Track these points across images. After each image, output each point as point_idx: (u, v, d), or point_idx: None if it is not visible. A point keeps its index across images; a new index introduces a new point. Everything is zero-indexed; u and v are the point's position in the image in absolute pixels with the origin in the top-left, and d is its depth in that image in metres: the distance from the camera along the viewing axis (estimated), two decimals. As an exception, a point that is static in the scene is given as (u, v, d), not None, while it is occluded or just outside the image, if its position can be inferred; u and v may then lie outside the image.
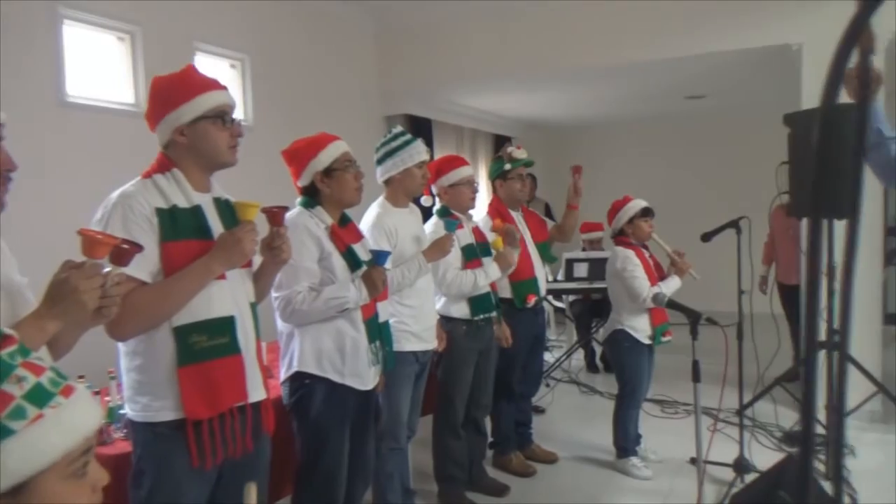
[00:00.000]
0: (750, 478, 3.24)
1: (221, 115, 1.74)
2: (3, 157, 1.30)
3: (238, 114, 1.82)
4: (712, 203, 7.53)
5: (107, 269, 1.29)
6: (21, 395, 0.82)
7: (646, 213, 3.53)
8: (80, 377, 2.32)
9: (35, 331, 1.21)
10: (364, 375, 2.31)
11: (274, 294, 2.17)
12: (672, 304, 2.89)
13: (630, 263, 3.41)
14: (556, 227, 3.85)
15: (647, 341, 3.48)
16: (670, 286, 3.40)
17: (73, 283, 1.22)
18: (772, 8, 4.40)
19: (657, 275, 3.51)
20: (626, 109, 7.69)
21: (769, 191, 3.68)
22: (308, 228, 2.23)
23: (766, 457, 3.48)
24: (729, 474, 3.38)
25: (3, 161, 1.30)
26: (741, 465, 3.37)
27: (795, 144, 2.94)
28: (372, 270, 2.26)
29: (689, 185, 8.32)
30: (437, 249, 2.79)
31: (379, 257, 2.33)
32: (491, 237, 3.30)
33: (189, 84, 1.72)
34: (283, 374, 2.31)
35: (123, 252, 1.32)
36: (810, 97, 4.22)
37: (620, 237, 3.56)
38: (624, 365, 3.55)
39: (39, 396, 0.84)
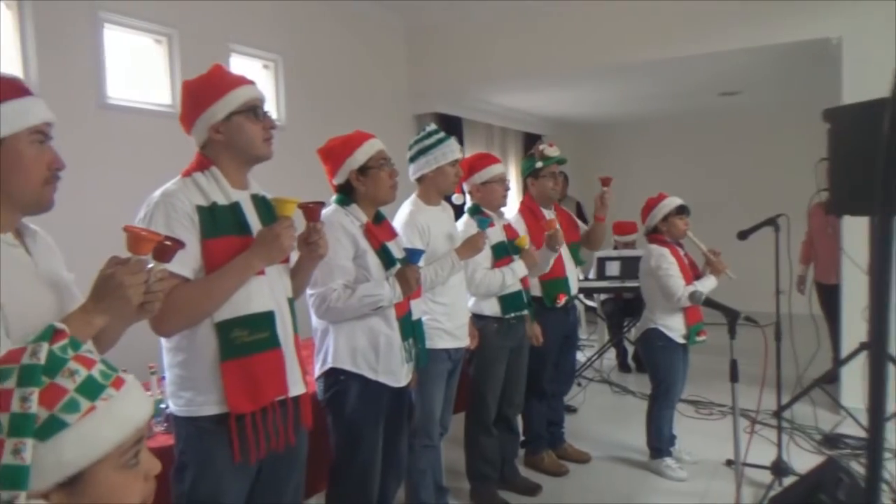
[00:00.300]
0: (788, 481, 3.17)
1: (253, 109, 1.77)
2: (52, 156, 1.34)
3: (271, 113, 1.84)
4: (749, 200, 7.41)
5: (150, 266, 1.32)
6: (74, 388, 0.85)
7: (681, 210, 3.48)
8: (123, 371, 2.38)
9: (82, 325, 1.24)
10: (397, 373, 2.32)
11: (309, 291, 2.20)
12: (710, 303, 2.85)
13: (665, 261, 3.37)
14: (584, 235, 3.80)
15: (681, 341, 3.44)
16: (706, 285, 3.35)
17: (119, 278, 1.25)
18: (810, 1, 4.30)
19: (692, 273, 3.46)
20: (658, 106, 7.59)
21: (807, 188, 3.60)
22: (343, 226, 2.26)
23: (804, 460, 3.41)
24: (766, 477, 3.32)
25: (52, 160, 1.33)
26: (779, 468, 3.30)
27: (836, 140, 2.86)
28: (406, 269, 2.27)
29: (725, 182, 8.18)
30: (469, 247, 2.80)
31: (412, 256, 2.34)
32: (521, 231, 3.29)
33: (218, 82, 1.76)
34: (317, 370, 2.33)
35: (166, 248, 1.35)
36: (851, 92, 4.11)
37: (654, 235, 3.51)
38: (658, 364, 3.50)
39: (91, 389, 0.86)
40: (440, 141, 2.80)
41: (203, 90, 1.75)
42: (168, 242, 1.36)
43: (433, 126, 2.88)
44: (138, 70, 3.80)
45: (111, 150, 3.48)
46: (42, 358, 0.84)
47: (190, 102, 1.77)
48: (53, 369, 0.85)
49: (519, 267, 3.11)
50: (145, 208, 1.69)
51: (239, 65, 4.33)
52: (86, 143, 3.32)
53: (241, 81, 1.78)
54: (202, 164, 1.77)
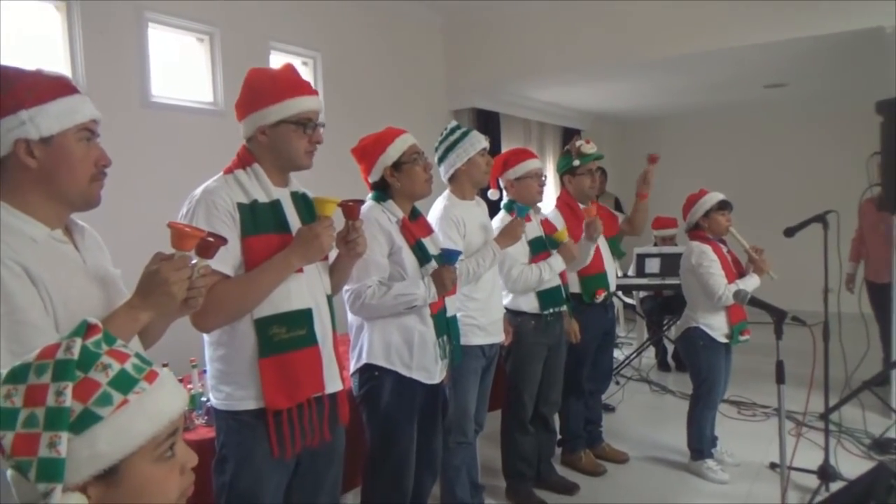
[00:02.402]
0: (836, 486, 3.09)
1: (304, 123, 1.78)
2: (98, 153, 1.36)
3: (321, 126, 1.84)
4: (796, 196, 7.22)
5: (193, 262, 1.34)
6: (106, 381, 0.86)
7: (723, 206, 3.41)
8: (164, 365, 2.44)
9: (129, 321, 1.27)
10: (431, 369, 2.33)
11: (344, 287, 2.22)
12: (756, 303, 2.78)
13: (706, 259, 3.31)
14: (626, 220, 3.77)
15: (723, 340, 3.38)
16: (749, 284, 3.27)
17: (164, 274, 1.27)
18: (862, -12, 4.16)
19: (735, 271, 3.38)
20: (700, 99, 7.44)
21: (858, 183, 3.48)
22: (379, 222, 2.27)
23: (852, 465, 3.31)
24: (812, 482, 3.23)
25: (99, 157, 1.36)
26: (826, 473, 3.21)
27: (889, 134, 2.76)
28: (442, 270, 2.28)
29: (770, 177, 7.99)
30: (508, 235, 2.78)
31: (450, 256, 2.34)
32: (559, 226, 3.26)
33: (282, 85, 1.76)
34: (352, 366, 2.36)
35: (209, 244, 1.37)
36: (905, 83, 3.96)
37: (696, 231, 3.46)
38: (699, 364, 3.44)
39: (124, 383, 0.87)
40: (465, 134, 2.81)
41: (264, 88, 1.76)
42: (211, 239, 1.37)
43: (454, 123, 2.90)
44: (181, 68, 3.88)
45: (155, 147, 3.56)
46: (76, 353, 0.86)
47: (248, 95, 1.79)
48: (87, 364, 0.87)
49: (556, 261, 3.08)
50: (187, 205, 1.72)
51: (278, 62, 4.39)
52: (130, 140, 3.40)
53: (304, 90, 1.78)
54: (244, 160, 1.79)
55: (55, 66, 3.10)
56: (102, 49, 3.35)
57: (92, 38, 3.31)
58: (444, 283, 2.25)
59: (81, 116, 1.32)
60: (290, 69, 1.83)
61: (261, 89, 1.76)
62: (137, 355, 0.92)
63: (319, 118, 1.83)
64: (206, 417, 2.25)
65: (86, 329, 0.89)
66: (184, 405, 0.95)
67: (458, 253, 2.39)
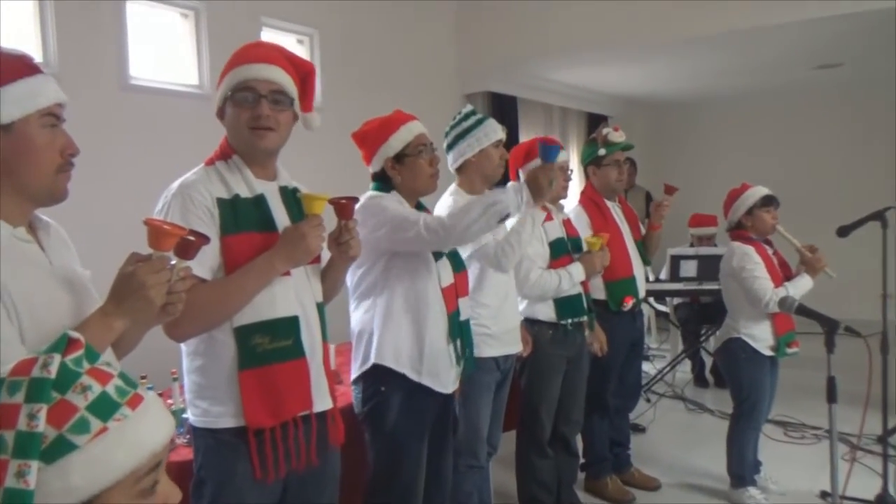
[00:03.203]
0: (895, 518, 3.05)
1: (246, 95, 1.73)
2: (64, 140, 1.35)
3: (271, 96, 1.82)
4: (850, 191, 7.16)
5: (172, 263, 1.34)
6: (85, 406, 0.85)
7: (768, 202, 3.38)
8: (142, 378, 2.44)
9: (102, 329, 1.26)
10: (443, 376, 2.32)
11: (406, 234, 2.14)
12: (804, 311, 2.75)
13: (749, 261, 3.28)
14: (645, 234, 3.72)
15: (768, 353, 3.35)
16: (799, 288, 3.24)
17: (141, 277, 1.26)
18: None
19: (782, 274, 3.35)
20: (743, 82, 7.40)
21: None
22: (395, 198, 2.28)
23: (915, 494, 3.26)
24: (868, 513, 3.20)
25: (65, 145, 1.35)
26: (885, 502, 3.17)
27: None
28: (538, 170, 2.22)
29: (822, 170, 7.92)
30: (536, 187, 2.54)
31: (547, 151, 2.26)
32: (585, 234, 3.24)
33: (232, 59, 1.76)
34: (355, 371, 2.34)
35: (190, 244, 1.36)
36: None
37: (738, 231, 3.43)
38: (741, 379, 3.42)
39: (104, 408, 0.86)
40: (479, 121, 2.77)
41: (226, 65, 1.77)
42: (192, 238, 1.37)
43: (469, 107, 2.87)
44: (163, 47, 3.90)
45: (134, 134, 3.58)
46: (53, 371, 0.85)
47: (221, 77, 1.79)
48: (65, 384, 0.85)
49: (577, 271, 3.06)
50: (163, 200, 1.72)
51: (271, 39, 4.40)
52: (107, 127, 3.43)
53: (247, 58, 1.74)
54: (225, 150, 1.79)
55: (24, 46, 3.13)
56: (76, 27, 3.38)
57: (65, 15, 3.33)
58: (541, 183, 2.21)
59: (45, 100, 1.31)
60: (257, 42, 1.83)
61: (225, 66, 1.77)
62: (122, 375, 0.91)
63: (269, 89, 1.73)
64: (188, 436, 2.25)
65: (66, 344, 0.88)
66: (169, 434, 0.94)
67: (556, 148, 2.30)
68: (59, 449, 0.83)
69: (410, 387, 2.27)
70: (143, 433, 0.89)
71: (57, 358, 0.86)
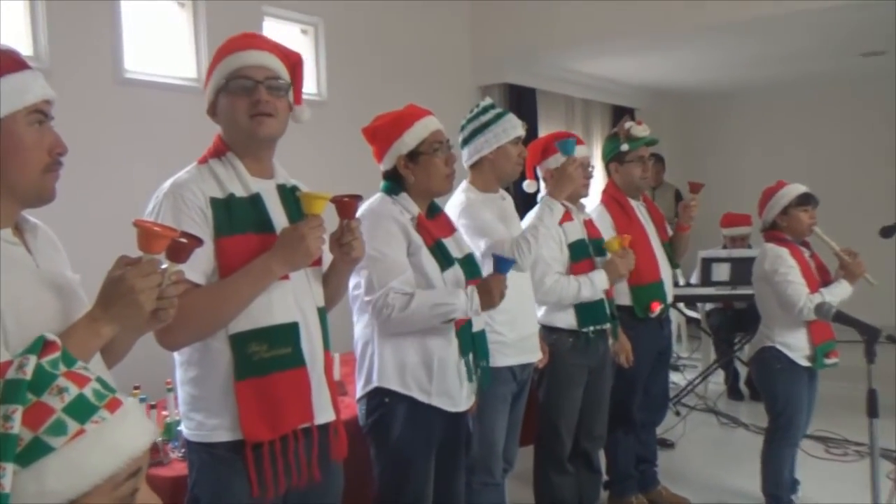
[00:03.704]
0: (944, 541, 3.01)
1: (244, 86, 1.76)
2: (52, 138, 1.37)
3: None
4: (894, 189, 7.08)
5: (163, 266, 1.35)
6: (62, 407, 0.87)
7: (805, 200, 3.36)
8: (136, 388, 2.47)
9: (90, 335, 1.28)
10: (454, 394, 2.32)
11: (366, 298, 2.21)
12: (842, 318, 2.73)
13: (782, 264, 3.26)
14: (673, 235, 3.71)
15: (805, 363, 3.32)
16: (836, 293, 3.22)
17: (130, 281, 1.27)
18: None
19: (819, 279, 3.33)
20: (778, 71, 7.36)
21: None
22: (394, 217, 2.28)
23: (966, 515, 3.23)
24: (915, 536, 3.17)
25: (53, 143, 1.37)
26: (932, 525, 3.14)
27: None
28: (491, 279, 2.27)
29: (863, 166, 7.86)
30: (561, 181, 2.76)
31: (501, 263, 2.32)
32: (608, 235, 3.24)
33: (223, 47, 1.80)
34: (359, 390, 2.36)
35: (182, 247, 1.38)
36: None
37: (772, 231, 3.41)
38: (776, 392, 3.40)
39: (81, 410, 0.88)
40: (499, 116, 2.80)
41: (217, 55, 1.79)
42: (184, 240, 1.39)
43: (488, 100, 2.88)
44: (159, 39, 3.94)
45: (128, 131, 3.62)
46: (28, 372, 0.87)
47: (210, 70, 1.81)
48: (41, 386, 0.88)
49: (599, 278, 3.06)
50: (154, 201, 1.74)
51: (273, 30, 4.43)
52: (100, 123, 3.47)
53: (241, 45, 1.78)
54: (219, 148, 1.81)
55: (13, 38, 3.18)
56: (68, 18, 3.42)
57: (56, 6, 3.37)
58: (493, 294, 2.24)
59: (32, 96, 1.34)
60: (243, 33, 1.85)
61: (214, 60, 1.80)
62: (99, 380, 0.93)
63: (264, 76, 1.77)
64: (182, 450, 2.27)
65: (42, 346, 0.90)
66: (149, 441, 0.95)
67: (511, 262, 2.37)
68: (34, 451, 0.85)
69: (418, 403, 2.28)
70: (122, 437, 0.90)
71: (32, 359, 0.88)
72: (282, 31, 4.54)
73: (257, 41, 1.81)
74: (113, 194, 3.45)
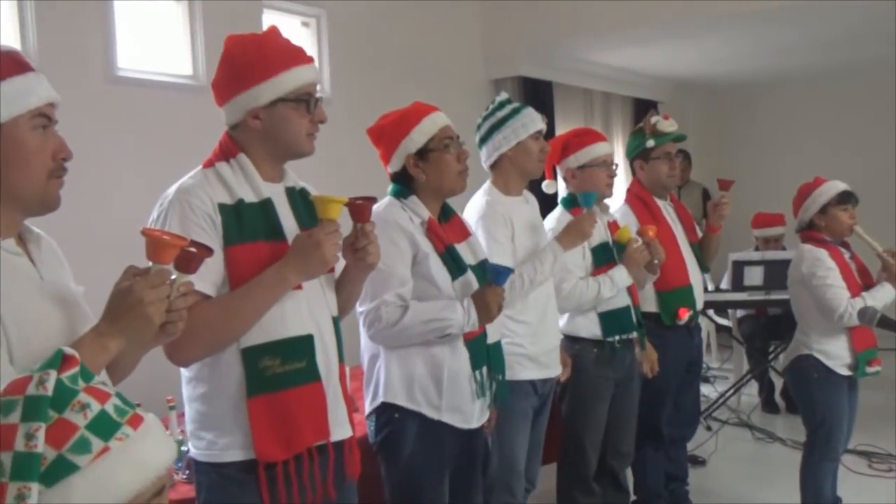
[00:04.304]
0: None
1: (306, 99, 1.82)
2: (57, 143, 1.40)
3: (321, 100, 1.90)
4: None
5: (172, 277, 1.38)
6: (85, 424, 0.90)
7: (845, 199, 3.36)
8: (137, 405, 2.50)
9: (97, 350, 1.30)
10: (466, 411, 2.34)
11: (359, 308, 2.24)
12: (886, 323, 2.74)
13: (821, 267, 3.26)
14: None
15: (845, 372, 3.32)
16: (879, 298, 3.22)
17: (139, 293, 1.29)
18: None
19: (861, 283, 3.33)
20: (813, 60, 7.32)
21: None
22: (399, 224, 2.29)
23: None
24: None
25: (57, 148, 1.39)
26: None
27: None
28: (487, 291, 2.27)
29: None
30: (575, 232, 2.80)
31: (498, 275, 2.33)
32: (625, 229, 3.23)
33: (272, 55, 1.81)
34: (367, 406, 2.38)
35: (191, 256, 1.40)
36: None
37: (810, 232, 3.41)
38: (814, 403, 3.40)
39: (105, 427, 0.91)
40: (516, 110, 2.82)
41: (252, 61, 1.80)
42: (193, 249, 1.41)
43: (504, 95, 2.91)
44: (154, 35, 3.98)
45: (123, 132, 3.66)
46: (50, 388, 0.89)
47: (232, 72, 1.83)
48: (62, 402, 0.90)
49: (620, 274, 3.07)
50: (158, 208, 1.76)
51: (273, 23, 4.46)
52: (93, 124, 3.49)
53: (299, 59, 1.84)
54: (228, 150, 1.83)
55: (5, 39, 3.22)
56: (58, 15, 3.46)
57: (46, 3, 3.41)
58: (489, 307, 2.25)
59: (37, 99, 1.36)
60: (276, 33, 1.88)
61: (248, 63, 1.80)
62: (119, 395, 0.95)
63: (316, 91, 1.88)
64: (187, 472, 2.30)
65: (61, 360, 0.93)
66: (172, 457, 0.98)
67: (508, 270, 2.38)
68: (59, 470, 0.88)
69: (428, 419, 2.30)
70: (147, 454, 0.93)
71: (53, 375, 0.91)
72: (282, 24, 4.56)
73: (305, 53, 1.88)
74: (109, 197, 3.48)
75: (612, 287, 3.04)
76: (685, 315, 3.43)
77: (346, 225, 1.80)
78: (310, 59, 1.88)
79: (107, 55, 3.66)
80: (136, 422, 0.94)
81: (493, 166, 2.86)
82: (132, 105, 3.72)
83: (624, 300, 3.13)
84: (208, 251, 1.46)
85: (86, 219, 3.25)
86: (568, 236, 2.78)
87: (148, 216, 1.79)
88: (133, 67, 3.81)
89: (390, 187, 2.42)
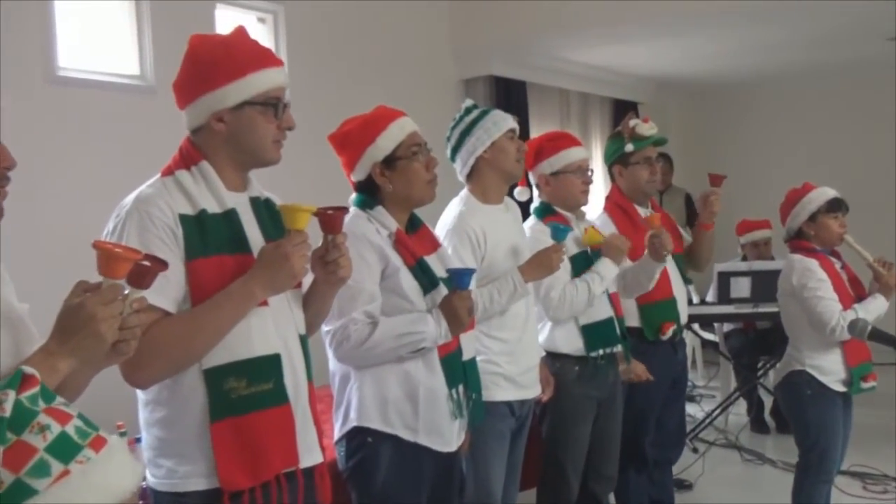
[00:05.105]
0: None
1: (273, 104, 1.85)
2: (1, 152, 1.40)
3: (289, 107, 1.92)
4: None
5: (125, 293, 1.39)
6: (44, 447, 0.92)
7: (835, 206, 3.42)
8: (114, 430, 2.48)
9: (46, 371, 1.28)
10: (445, 432, 2.36)
11: (325, 327, 2.26)
12: (878, 336, 2.80)
13: (812, 278, 3.32)
14: (687, 249, 3.78)
15: (840, 388, 3.38)
16: (871, 310, 3.28)
17: (90, 309, 1.30)
18: None
19: (853, 294, 3.40)
20: (801, 58, 7.42)
21: None
22: (367, 237, 2.31)
23: None
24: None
25: (1, 157, 1.40)
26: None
27: None
28: (453, 297, 2.29)
29: (898, 164, 7.95)
30: (539, 265, 2.81)
31: (459, 278, 2.33)
32: (591, 230, 3.24)
33: (239, 55, 1.83)
34: (337, 431, 2.39)
35: (145, 270, 1.41)
36: None
37: (799, 241, 3.47)
38: (807, 421, 3.44)
39: (65, 449, 0.93)
40: (484, 112, 2.87)
41: (217, 61, 1.82)
42: (147, 263, 1.42)
43: (469, 101, 2.95)
44: (98, 32, 3.97)
45: (65, 136, 3.64)
46: (7, 409, 0.91)
47: (196, 72, 1.84)
48: (21, 424, 0.92)
49: (605, 267, 3.09)
50: (115, 219, 1.76)
51: (227, 18, 4.48)
52: (32, 128, 3.47)
53: (268, 61, 1.86)
54: (189, 157, 1.84)
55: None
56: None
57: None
58: (458, 314, 2.27)
59: None
60: (244, 33, 1.90)
61: (214, 63, 1.82)
62: (81, 416, 0.97)
63: (285, 96, 1.90)
64: (141, 502, 2.29)
65: (20, 380, 0.94)
66: (137, 481, 0.99)
67: (470, 272, 2.38)
68: (16, 495, 0.89)
69: (404, 443, 2.32)
70: (110, 478, 0.95)
71: (11, 395, 0.92)
72: (236, 20, 4.57)
73: (275, 56, 1.91)
74: (53, 209, 3.45)
75: (601, 282, 3.07)
76: (669, 329, 3.47)
77: (314, 236, 1.82)
78: (279, 62, 1.90)
79: (46, 54, 3.64)
80: (98, 444, 0.96)
81: (469, 175, 2.88)
82: (76, 106, 3.70)
83: (606, 311, 3.16)
84: (163, 265, 1.46)
85: (29, 230, 3.23)
86: (532, 269, 2.79)
87: (96, 225, 1.78)
88: (76, 67, 3.80)
89: (353, 197, 2.43)
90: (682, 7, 5.29)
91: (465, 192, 2.88)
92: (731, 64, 7.60)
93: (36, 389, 0.95)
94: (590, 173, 3.25)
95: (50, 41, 3.65)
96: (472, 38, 5.94)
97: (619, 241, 3.15)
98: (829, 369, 3.36)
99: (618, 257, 3.13)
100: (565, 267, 3.03)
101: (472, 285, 2.39)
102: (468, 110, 2.89)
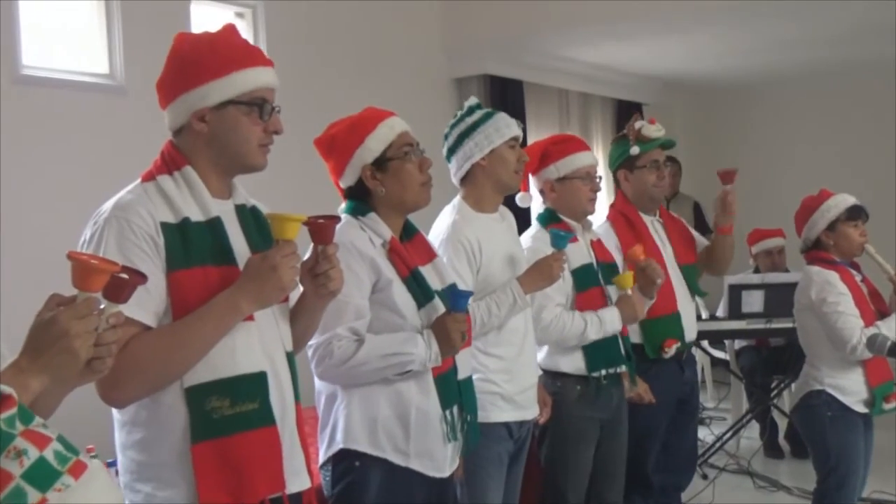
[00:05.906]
0: None
1: (259, 104, 1.86)
2: None
3: (278, 110, 1.93)
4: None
5: (101, 307, 1.39)
6: (21, 473, 0.92)
7: (855, 214, 3.43)
8: (89, 452, 2.48)
9: (16, 389, 1.31)
10: (438, 456, 2.36)
11: (308, 342, 2.26)
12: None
13: (832, 292, 3.33)
14: (703, 254, 3.79)
15: (861, 409, 3.39)
16: (894, 327, 3.30)
17: (63, 324, 1.30)
18: None
19: (874, 308, 3.42)
20: (815, 57, 7.43)
21: None
22: (357, 247, 2.31)
23: None
24: None
25: None
26: None
27: None
28: (447, 319, 2.30)
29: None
30: (539, 274, 2.83)
31: (457, 299, 2.35)
32: (621, 267, 3.28)
33: (224, 53, 1.84)
34: (322, 454, 2.39)
35: (123, 283, 1.42)
36: None
37: (817, 252, 3.48)
38: (826, 444, 3.45)
39: (43, 476, 0.93)
40: (488, 115, 2.86)
41: (200, 58, 1.83)
42: (124, 275, 1.43)
43: (474, 100, 2.95)
44: (65, 29, 3.98)
45: (30, 138, 3.63)
46: None
47: (178, 69, 1.86)
48: None
49: (611, 317, 3.10)
50: (92, 226, 1.77)
51: (203, 15, 4.49)
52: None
53: (255, 60, 1.88)
54: (172, 161, 1.85)
55: None
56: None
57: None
58: (451, 337, 2.28)
59: None
60: (232, 31, 1.92)
61: (198, 59, 1.83)
62: (61, 439, 0.97)
63: (274, 99, 1.91)
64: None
65: None
66: None
67: (468, 294, 2.40)
68: None
69: (394, 467, 2.32)
70: None
71: None
72: (213, 15, 4.59)
73: (263, 55, 1.93)
74: (20, 217, 3.43)
75: (599, 329, 3.08)
76: (671, 347, 3.45)
77: (304, 247, 1.83)
78: (268, 62, 1.92)
79: (10, 52, 3.65)
80: (77, 470, 0.96)
81: (463, 180, 2.89)
82: (40, 108, 3.71)
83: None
84: (142, 278, 1.47)
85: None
86: (531, 279, 2.81)
87: (64, 230, 1.78)
88: (41, 65, 3.81)
89: (344, 205, 2.44)
90: (682, 6, 5.33)
91: (458, 199, 2.89)
92: (741, 63, 7.61)
93: (13, 411, 0.96)
94: (598, 180, 3.27)
95: (14, 39, 3.66)
96: (466, 35, 5.96)
97: (639, 307, 3.15)
98: (851, 389, 3.37)
99: (628, 313, 3.14)
100: (559, 286, 3.02)
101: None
102: (471, 110, 2.89)
